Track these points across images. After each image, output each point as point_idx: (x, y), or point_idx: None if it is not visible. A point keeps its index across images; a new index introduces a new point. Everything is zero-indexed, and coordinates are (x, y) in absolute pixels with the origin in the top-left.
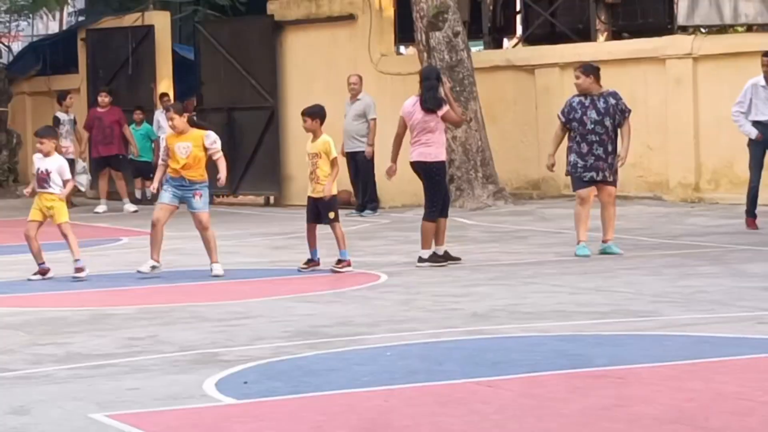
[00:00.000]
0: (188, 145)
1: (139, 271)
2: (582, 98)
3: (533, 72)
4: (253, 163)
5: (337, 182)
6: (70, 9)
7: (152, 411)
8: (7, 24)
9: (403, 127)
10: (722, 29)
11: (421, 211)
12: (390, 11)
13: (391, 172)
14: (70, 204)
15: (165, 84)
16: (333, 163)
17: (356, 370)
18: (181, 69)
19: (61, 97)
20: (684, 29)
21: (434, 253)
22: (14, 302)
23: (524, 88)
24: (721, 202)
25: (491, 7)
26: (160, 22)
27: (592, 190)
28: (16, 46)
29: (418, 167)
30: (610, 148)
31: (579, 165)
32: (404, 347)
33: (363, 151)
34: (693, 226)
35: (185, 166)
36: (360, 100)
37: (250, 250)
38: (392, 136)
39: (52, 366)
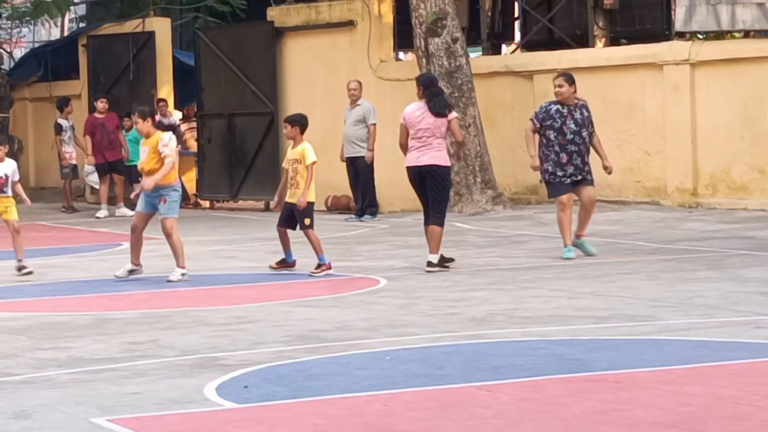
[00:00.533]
0: (146, 149)
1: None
2: (559, 107)
3: (531, 78)
4: (252, 169)
5: (338, 187)
6: (72, 15)
7: (153, 415)
8: (9, 30)
9: (406, 135)
10: (719, 35)
11: (420, 216)
12: (389, 17)
13: None
14: (72, 209)
15: (165, 90)
16: (308, 169)
17: (356, 374)
18: (182, 75)
19: (63, 104)
20: (681, 35)
21: (435, 258)
22: (16, 307)
23: (522, 94)
24: (718, 207)
25: (490, 14)
26: (161, 28)
27: (572, 195)
28: (18, 52)
29: (431, 171)
30: (586, 159)
31: (558, 173)
32: (404, 351)
33: (363, 157)
34: (690, 231)
35: (147, 171)
36: (360, 105)
37: (250, 254)
38: (391, 142)
39: (54, 370)
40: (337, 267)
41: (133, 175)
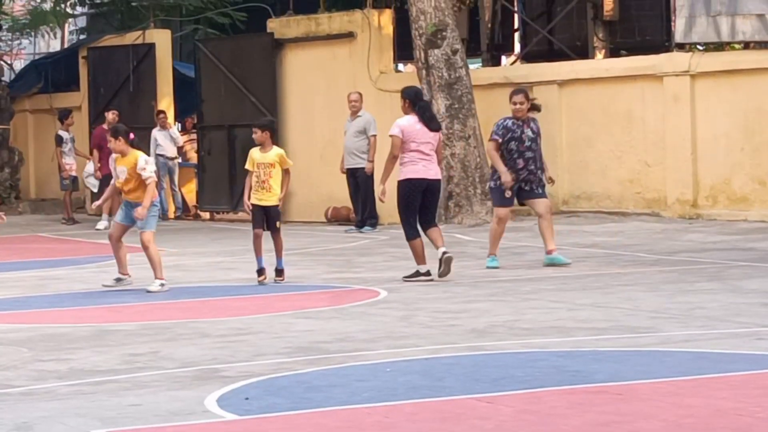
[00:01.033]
0: (124, 169)
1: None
2: (514, 120)
3: (531, 89)
4: None
5: (338, 198)
6: (72, 27)
7: (154, 427)
8: (9, 42)
9: (400, 148)
10: (719, 46)
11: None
12: (389, 29)
13: (384, 196)
14: (73, 221)
15: (166, 101)
16: (287, 172)
17: (357, 386)
18: (182, 87)
19: (63, 116)
20: (681, 47)
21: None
22: (16, 319)
23: None
24: (718, 218)
25: (489, 25)
26: (161, 40)
27: (509, 212)
28: (18, 64)
29: (436, 185)
30: (539, 165)
31: (508, 176)
32: (404, 363)
33: (363, 168)
34: (691, 243)
35: (126, 190)
36: (360, 117)
37: (250, 266)
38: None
39: (55, 382)
40: (337, 278)
41: None
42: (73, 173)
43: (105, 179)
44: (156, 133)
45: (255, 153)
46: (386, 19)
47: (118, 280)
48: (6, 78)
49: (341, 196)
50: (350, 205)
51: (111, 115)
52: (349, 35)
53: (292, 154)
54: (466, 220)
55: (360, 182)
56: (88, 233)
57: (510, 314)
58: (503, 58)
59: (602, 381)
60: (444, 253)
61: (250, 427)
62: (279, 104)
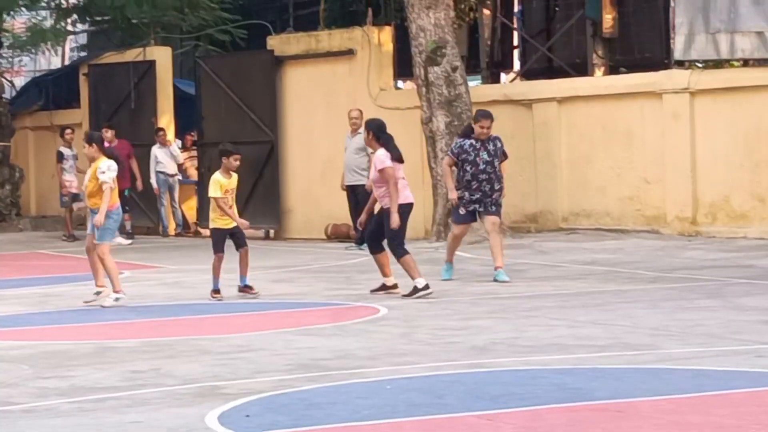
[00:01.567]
0: (88, 173)
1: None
2: (473, 141)
3: (531, 106)
4: (252, 197)
5: (338, 215)
6: (73, 44)
7: None
8: (10, 59)
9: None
10: (719, 64)
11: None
12: (389, 46)
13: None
14: (73, 237)
15: (166, 118)
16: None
17: (357, 403)
18: (182, 104)
19: (63, 130)
20: (681, 64)
21: (383, 284)
22: (17, 336)
23: (522, 123)
24: (718, 235)
25: (489, 42)
26: (162, 57)
27: (466, 228)
28: (19, 81)
29: (409, 209)
30: (496, 186)
31: (465, 198)
32: (405, 380)
33: (363, 185)
34: (690, 260)
35: (88, 194)
36: (361, 134)
37: (250, 283)
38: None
39: (56, 399)
40: (337, 295)
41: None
42: (74, 190)
43: None
44: (156, 150)
45: (222, 179)
46: (386, 36)
47: (98, 294)
48: (7, 95)
49: (341, 213)
50: (350, 222)
51: (107, 134)
52: (349, 52)
53: (292, 170)
54: (465, 238)
55: (360, 199)
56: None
57: (510, 331)
58: (503, 75)
59: (603, 398)
60: (418, 288)
61: None
62: (279, 121)
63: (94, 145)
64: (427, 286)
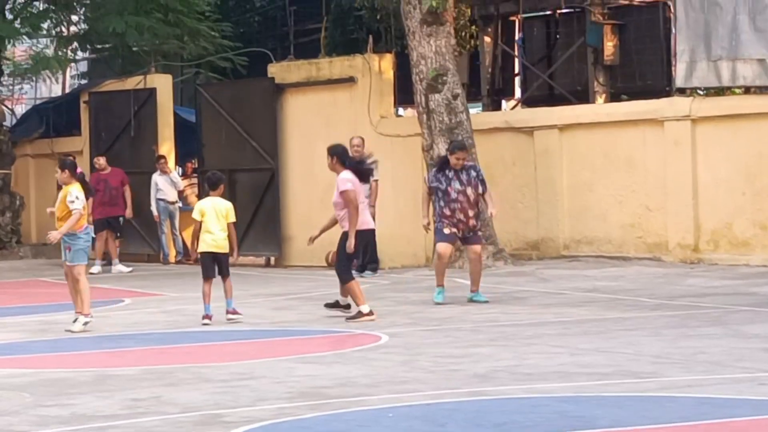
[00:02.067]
0: (59, 198)
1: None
2: (447, 171)
3: (532, 134)
4: (253, 224)
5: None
6: (73, 72)
7: None
8: (11, 87)
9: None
10: (720, 91)
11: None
12: (389, 74)
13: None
14: None
15: (167, 146)
16: (232, 227)
17: (358, 431)
18: (183, 131)
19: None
20: (682, 91)
21: (337, 301)
22: (18, 363)
23: (523, 150)
24: (720, 263)
25: (490, 70)
26: (162, 84)
27: (449, 247)
28: (20, 109)
29: (373, 232)
30: (471, 213)
31: (444, 221)
32: (406, 408)
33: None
34: (692, 287)
35: (59, 219)
36: None
37: (251, 310)
38: (392, 198)
39: (57, 427)
40: (338, 323)
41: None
42: None
43: (98, 223)
44: (156, 178)
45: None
46: (387, 63)
47: (76, 320)
48: (8, 123)
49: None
50: None
51: (102, 161)
52: (350, 80)
53: (292, 198)
54: (467, 265)
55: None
56: (89, 278)
57: (512, 359)
58: (504, 102)
59: (605, 426)
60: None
61: None
62: (279, 148)
63: (66, 171)
64: (371, 312)
